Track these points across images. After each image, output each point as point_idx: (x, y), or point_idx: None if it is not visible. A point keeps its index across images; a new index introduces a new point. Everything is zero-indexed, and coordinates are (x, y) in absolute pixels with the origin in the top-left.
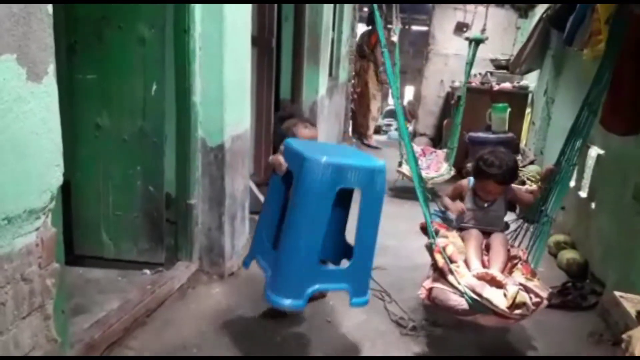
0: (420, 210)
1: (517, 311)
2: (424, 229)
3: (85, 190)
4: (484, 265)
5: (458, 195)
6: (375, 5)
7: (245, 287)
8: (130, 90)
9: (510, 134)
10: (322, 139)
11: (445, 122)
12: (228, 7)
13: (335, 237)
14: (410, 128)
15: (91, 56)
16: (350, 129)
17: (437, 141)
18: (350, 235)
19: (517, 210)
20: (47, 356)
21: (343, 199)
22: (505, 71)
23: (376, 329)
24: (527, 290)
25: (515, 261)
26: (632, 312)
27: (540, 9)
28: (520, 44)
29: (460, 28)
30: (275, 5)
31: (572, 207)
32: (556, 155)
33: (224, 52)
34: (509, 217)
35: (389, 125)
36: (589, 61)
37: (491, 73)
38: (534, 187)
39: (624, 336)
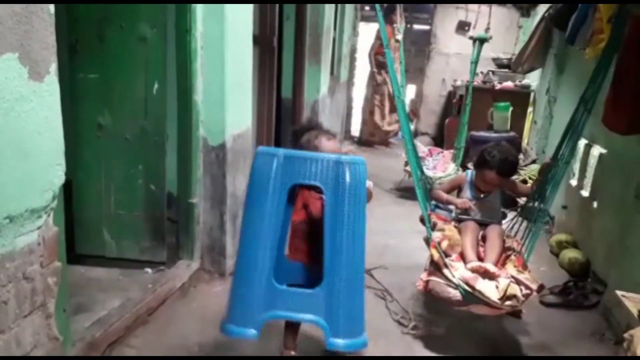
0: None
1: (508, 302)
2: (423, 221)
3: (87, 189)
4: (479, 257)
5: (454, 188)
6: (378, 6)
7: None
8: (132, 89)
9: (512, 133)
10: None
11: (447, 121)
12: (229, 7)
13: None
14: (412, 127)
15: (93, 56)
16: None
17: (438, 140)
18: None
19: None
20: (49, 356)
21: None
22: (507, 70)
23: (378, 328)
24: (518, 282)
25: (509, 252)
26: (634, 311)
27: (542, 8)
28: (522, 43)
29: (462, 27)
30: (277, 4)
31: (575, 206)
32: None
33: (226, 52)
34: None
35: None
36: (591, 60)
37: (493, 72)
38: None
39: (626, 335)
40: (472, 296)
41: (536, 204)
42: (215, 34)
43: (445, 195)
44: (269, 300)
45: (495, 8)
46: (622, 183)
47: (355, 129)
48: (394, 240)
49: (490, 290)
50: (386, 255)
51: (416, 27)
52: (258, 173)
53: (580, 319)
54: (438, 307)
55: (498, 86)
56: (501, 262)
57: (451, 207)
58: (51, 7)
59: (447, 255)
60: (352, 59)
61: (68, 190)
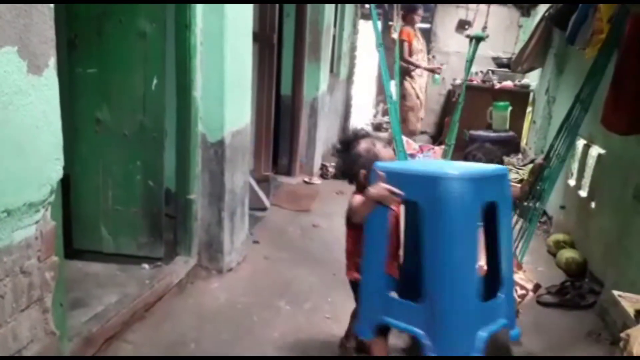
0: None
1: None
2: None
3: (85, 184)
4: None
5: None
6: (373, 5)
7: (243, 283)
8: (131, 84)
9: (511, 133)
10: (322, 136)
11: (446, 119)
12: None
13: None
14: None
15: (91, 50)
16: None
17: (437, 139)
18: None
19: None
20: (50, 356)
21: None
22: (506, 69)
23: None
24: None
25: None
26: (631, 311)
27: (543, 8)
28: (522, 43)
29: (462, 26)
30: (277, 4)
31: (572, 206)
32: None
33: (225, 48)
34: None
35: (390, 122)
36: (590, 60)
37: (493, 71)
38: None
39: (622, 335)
40: None
41: (531, 203)
42: (215, 30)
43: None
44: (481, 319)
45: (495, 7)
46: (620, 183)
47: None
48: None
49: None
50: None
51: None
52: (455, 199)
53: (577, 318)
54: None
55: (497, 85)
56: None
57: None
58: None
59: None
60: (352, 57)
61: (66, 185)
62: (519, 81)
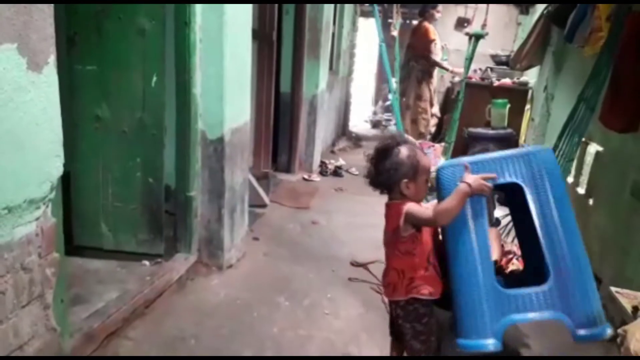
0: None
1: None
2: None
3: (85, 181)
4: None
5: None
6: (376, 6)
7: (243, 280)
8: (130, 81)
9: (509, 130)
10: (322, 131)
11: (445, 117)
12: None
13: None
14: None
15: (91, 48)
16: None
17: (436, 136)
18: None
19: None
20: (50, 356)
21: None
22: (505, 67)
23: (373, 322)
24: None
25: (510, 256)
26: (628, 307)
27: (541, 5)
28: (521, 40)
29: (461, 23)
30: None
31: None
32: None
33: (225, 45)
34: (500, 212)
35: (389, 120)
36: (589, 58)
37: (491, 69)
38: None
39: (619, 331)
40: None
41: None
42: (215, 27)
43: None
44: (499, 306)
45: (494, 5)
46: (618, 181)
47: (354, 125)
48: None
49: None
50: (381, 249)
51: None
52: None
53: None
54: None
55: (496, 83)
56: (504, 264)
57: None
58: None
59: None
60: (351, 55)
61: (66, 182)
62: (518, 79)
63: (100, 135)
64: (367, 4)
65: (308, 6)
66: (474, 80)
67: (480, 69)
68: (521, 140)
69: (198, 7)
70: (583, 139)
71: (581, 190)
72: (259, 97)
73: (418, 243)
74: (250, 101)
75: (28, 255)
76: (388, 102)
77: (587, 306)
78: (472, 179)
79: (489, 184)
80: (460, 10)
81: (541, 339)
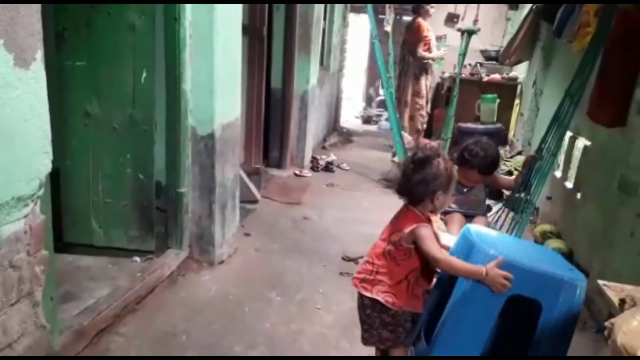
0: None
1: None
2: None
3: (75, 178)
4: None
5: None
6: (370, 6)
7: (234, 275)
8: (120, 77)
9: (498, 125)
10: (314, 127)
11: (435, 112)
12: None
13: None
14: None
15: (80, 43)
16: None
17: (427, 131)
18: None
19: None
20: (51, 356)
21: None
22: (495, 62)
23: None
24: None
25: None
26: (615, 300)
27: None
28: (510, 35)
29: (451, 19)
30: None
31: (559, 197)
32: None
33: (215, 41)
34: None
35: (379, 115)
36: (577, 53)
37: (481, 64)
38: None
39: (607, 323)
40: None
41: (522, 195)
42: (205, 22)
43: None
44: None
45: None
46: (605, 175)
47: (345, 121)
48: (380, 229)
49: None
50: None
51: (405, 18)
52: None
53: None
54: None
55: (486, 78)
56: None
57: None
58: None
59: None
60: (342, 50)
61: (56, 178)
62: (507, 74)
63: (90, 131)
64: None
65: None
66: (463, 75)
67: (469, 64)
68: (510, 135)
69: (188, 3)
70: (571, 134)
71: (569, 184)
72: (249, 93)
73: (407, 258)
74: (241, 97)
75: (17, 253)
76: (378, 98)
77: None
78: (494, 273)
79: (507, 284)
80: (450, 6)
81: None
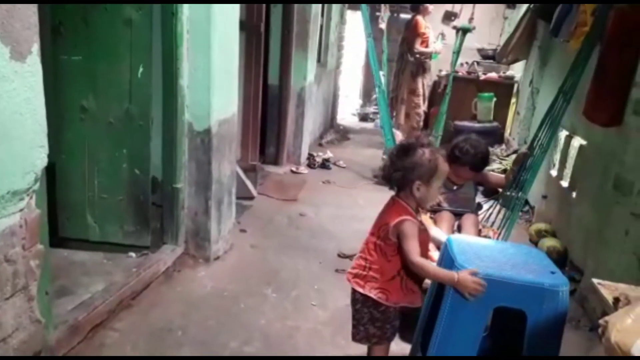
0: None
1: None
2: None
3: (71, 172)
4: None
5: None
6: (364, 6)
7: (230, 271)
8: (117, 72)
9: (495, 123)
10: (310, 124)
11: (432, 110)
12: None
13: None
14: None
15: (77, 37)
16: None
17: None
18: None
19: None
20: (50, 356)
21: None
22: (492, 61)
23: None
24: None
25: None
26: (609, 298)
27: None
28: (508, 34)
29: (449, 17)
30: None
31: (554, 196)
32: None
33: (212, 36)
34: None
35: (376, 113)
36: (574, 52)
37: (478, 62)
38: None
39: (601, 321)
40: None
41: (514, 192)
42: (202, 18)
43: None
44: None
45: None
46: (600, 174)
47: (342, 118)
48: None
49: None
50: None
51: (403, 16)
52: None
53: None
54: None
55: (482, 77)
56: None
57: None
58: None
59: None
60: (340, 47)
61: (51, 173)
62: (504, 73)
63: (86, 126)
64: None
65: None
66: (460, 74)
67: (467, 63)
68: (506, 133)
69: None
70: (567, 133)
71: (565, 183)
72: (246, 89)
73: (397, 254)
74: (238, 93)
75: (12, 247)
76: (375, 95)
77: None
78: (465, 278)
79: (478, 289)
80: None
81: None
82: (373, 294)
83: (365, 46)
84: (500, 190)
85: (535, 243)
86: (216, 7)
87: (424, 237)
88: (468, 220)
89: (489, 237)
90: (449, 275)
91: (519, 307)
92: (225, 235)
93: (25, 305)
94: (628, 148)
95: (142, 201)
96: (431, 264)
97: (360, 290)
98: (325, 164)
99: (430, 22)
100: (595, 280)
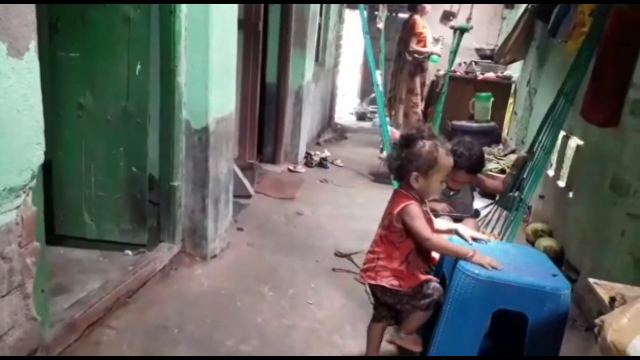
0: None
1: None
2: None
3: (67, 170)
4: None
5: None
6: (362, 6)
7: (227, 270)
8: (114, 69)
9: (492, 123)
10: (308, 123)
11: (429, 109)
12: None
13: None
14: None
15: (74, 34)
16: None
17: None
18: None
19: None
20: (51, 356)
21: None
22: (489, 61)
23: (356, 312)
24: None
25: None
26: (606, 298)
27: None
28: (505, 34)
29: (447, 17)
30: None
31: (551, 196)
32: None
33: (210, 34)
34: (481, 204)
35: (374, 112)
36: (572, 53)
37: (476, 62)
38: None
39: (597, 321)
40: None
41: (516, 194)
42: (200, 16)
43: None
44: None
45: None
46: (597, 174)
47: (339, 117)
48: (373, 226)
49: None
50: (365, 240)
51: (400, 15)
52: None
53: None
54: None
55: (480, 77)
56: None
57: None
58: None
59: None
60: (338, 46)
61: (48, 170)
62: (502, 73)
63: (83, 123)
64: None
65: None
66: (458, 73)
67: (465, 63)
68: (504, 133)
69: None
70: (564, 133)
71: (562, 183)
72: (244, 88)
73: (404, 239)
74: (236, 91)
75: (8, 245)
76: (372, 95)
77: None
78: (479, 259)
79: (493, 263)
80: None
81: None
82: (385, 282)
83: (363, 45)
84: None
85: (532, 243)
86: (214, 6)
87: (430, 226)
88: (468, 225)
89: None
90: (464, 250)
91: (520, 310)
92: (222, 234)
93: (21, 303)
94: (625, 148)
95: (139, 199)
96: (444, 238)
97: (373, 282)
98: (322, 163)
99: (428, 22)
100: (591, 280)
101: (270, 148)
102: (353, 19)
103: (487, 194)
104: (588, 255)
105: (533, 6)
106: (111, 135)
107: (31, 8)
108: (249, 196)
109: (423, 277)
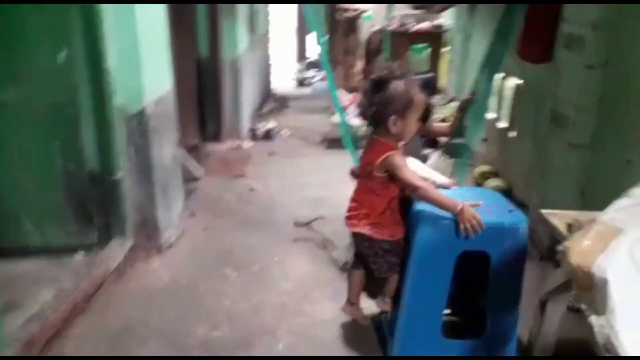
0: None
1: None
2: (354, 174)
3: (0, 175)
4: None
5: None
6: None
7: (185, 258)
8: (36, 59)
9: (430, 74)
10: (248, 95)
11: (364, 68)
12: None
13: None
14: None
15: None
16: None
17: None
18: None
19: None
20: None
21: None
22: (424, 11)
23: (323, 278)
24: None
25: None
26: (562, 226)
27: None
28: None
29: None
30: None
31: (494, 138)
32: None
33: (136, 10)
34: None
35: (313, 77)
36: None
37: (409, 15)
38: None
39: (560, 247)
40: None
41: (459, 140)
42: None
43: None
44: (435, 348)
45: None
46: (537, 111)
47: (279, 85)
48: (328, 191)
49: None
50: (322, 206)
51: None
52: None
53: None
54: None
55: (414, 28)
56: None
57: None
58: None
59: None
60: (266, 13)
61: None
62: (435, 22)
63: (8, 120)
64: None
65: None
66: (392, 28)
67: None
68: (442, 82)
69: None
70: (502, 75)
71: (503, 124)
72: (178, 64)
73: (385, 187)
74: (170, 69)
75: None
76: (309, 59)
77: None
78: (469, 212)
79: (475, 226)
80: None
81: None
82: (366, 230)
83: (297, 9)
84: (442, 139)
85: (479, 185)
86: None
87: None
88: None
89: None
90: (452, 203)
91: (483, 249)
92: (175, 222)
93: None
94: (560, 82)
95: (81, 197)
96: (434, 188)
97: (355, 229)
98: (268, 135)
99: None
100: (544, 211)
101: (212, 126)
102: None
103: (430, 143)
104: (534, 190)
105: None
106: (42, 131)
107: None
108: (197, 179)
109: (403, 233)
